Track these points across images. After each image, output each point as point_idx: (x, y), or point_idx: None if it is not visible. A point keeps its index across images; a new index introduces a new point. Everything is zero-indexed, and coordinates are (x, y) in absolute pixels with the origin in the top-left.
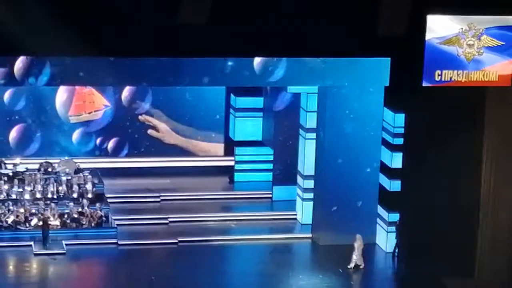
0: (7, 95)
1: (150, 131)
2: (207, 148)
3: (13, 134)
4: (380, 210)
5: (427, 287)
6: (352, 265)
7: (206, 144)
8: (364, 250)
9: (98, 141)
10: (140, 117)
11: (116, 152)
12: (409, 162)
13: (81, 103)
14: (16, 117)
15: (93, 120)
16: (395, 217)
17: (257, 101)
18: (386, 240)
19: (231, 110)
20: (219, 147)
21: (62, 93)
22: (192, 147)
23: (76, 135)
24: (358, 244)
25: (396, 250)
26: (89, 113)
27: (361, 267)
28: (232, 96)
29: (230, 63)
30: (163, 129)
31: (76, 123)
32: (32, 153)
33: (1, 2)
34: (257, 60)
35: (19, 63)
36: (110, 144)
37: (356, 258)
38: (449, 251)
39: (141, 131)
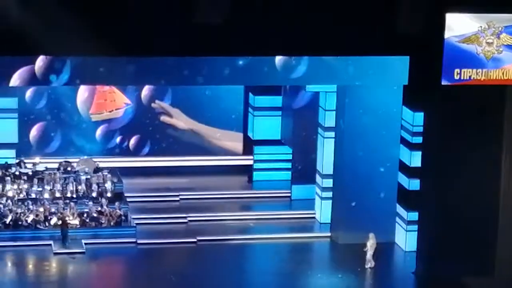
0: (28, 94)
1: (169, 130)
2: (225, 145)
3: (34, 132)
4: (399, 209)
5: (446, 286)
6: (369, 264)
7: (225, 143)
8: (377, 249)
9: (119, 139)
10: (159, 116)
11: (137, 150)
12: (428, 161)
13: (102, 102)
14: (37, 115)
15: (114, 118)
16: (414, 216)
17: (276, 100)
18: (405, 239)
19: (250, 109)
20: (238, 145)
21: (83, 92)
22: (211, 145)
23: (97, 134)
24: (371, 243)
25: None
26: (110, 111)
27: (372, 266)
28: (250, 95)
29: (240, 62)
30: (182, 127)
31: (97, 121)
32: (52, 151)
33: (21, 2)
34: (278, 58)
35: (40, 62)
36: (132, 142)
37: (370, 257)
38: (469, 250)
39: (162, 128)
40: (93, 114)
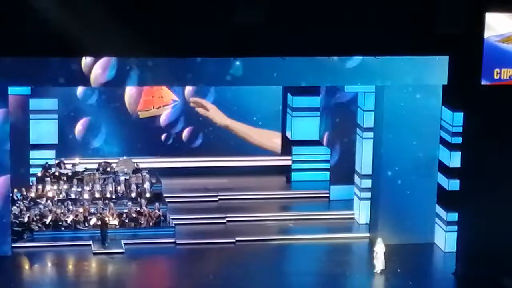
0: (80, 89)
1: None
2: (262, 143)
3: (79, 127)
4: (439, 210)
5: (485, 287)
6: (380, 268)
7: (262, 141)
8: (385, 253)
9: (165, 136)
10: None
11: (190, 141)
12: (468, 161)
13: (149, 98)
14: (85, 112)
15: (162, 114)
16: (453, 216)
17: (314, 100)
18: (444, 239)
19: (288, 110)
20: (276, 143)
21: (130, 88)
22: (248, 142)
23: (146, 130)
24: (380, 248)
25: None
26: (158, 108)
27: (382, 269)
28: (289, 95)
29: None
30: (218, 122)
31: (144, 118)
32: (98, 146)
33: (67, 5)
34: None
35: (101, 63)
36: (184, 134)
37: (379, 262)
38: (509, 251)
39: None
40: (140, 111)
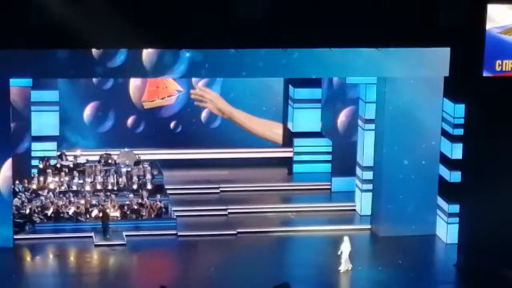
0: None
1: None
2: (264, 134)
3: (87, 111)
4: (440, 201)
5: (487, 279)
6: (343, 268)
7: (263, 131)
8: (351, 252)
9: (173, 124)
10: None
11: (210, 121)
12: (470, 153)
13: (154, 89)
14: (95, 96)
15: (166, 105)
16: (455, 208)
17: (316, 92)
18: (446, 231)
19: (290, 101)
20: (278, 133)
21: (135, 79)
22: (250, 132)
23: (152, 121)
24: (345, 246)
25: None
26: (162, 98)
27: (349, 269)
28: (290, 87)
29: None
30: (215, 112)
31: (149, 108)
32: (105, 130)
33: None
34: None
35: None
36: (203, 114)
37: (345, 260)
38: (509, 243)
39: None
40: (145, 102)
